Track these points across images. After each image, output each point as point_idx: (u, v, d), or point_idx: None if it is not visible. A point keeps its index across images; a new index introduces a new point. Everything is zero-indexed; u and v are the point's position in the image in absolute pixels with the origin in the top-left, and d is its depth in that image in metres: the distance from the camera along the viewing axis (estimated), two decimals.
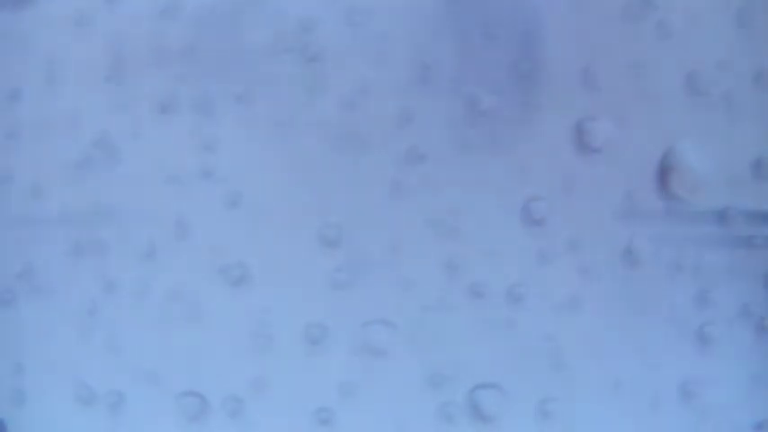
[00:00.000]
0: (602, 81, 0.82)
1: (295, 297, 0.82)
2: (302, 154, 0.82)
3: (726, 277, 0.83)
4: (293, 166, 0.82)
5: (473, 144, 0.82)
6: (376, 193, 0.82)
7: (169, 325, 0.84)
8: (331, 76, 0.82)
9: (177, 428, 0.83)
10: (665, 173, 0.82)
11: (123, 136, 0.85)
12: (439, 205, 0.82)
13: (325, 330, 0.81)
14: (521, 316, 0.81)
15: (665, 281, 0.83)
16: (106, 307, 0.85)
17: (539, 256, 0.82)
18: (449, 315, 0.81)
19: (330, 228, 0.82)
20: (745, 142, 0.84)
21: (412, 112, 0.82)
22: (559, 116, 0.81)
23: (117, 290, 0.84)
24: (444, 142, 0.82)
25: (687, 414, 0.79)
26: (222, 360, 0.83)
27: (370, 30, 0.82)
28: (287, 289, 0.82)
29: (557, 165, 0.81)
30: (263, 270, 0.82)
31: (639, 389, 0.82)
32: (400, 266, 0.82)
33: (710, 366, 0.82)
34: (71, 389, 0.84)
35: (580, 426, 0.80)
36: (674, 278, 0.83)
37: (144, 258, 0.84)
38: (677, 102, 0.83)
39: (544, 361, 0.81)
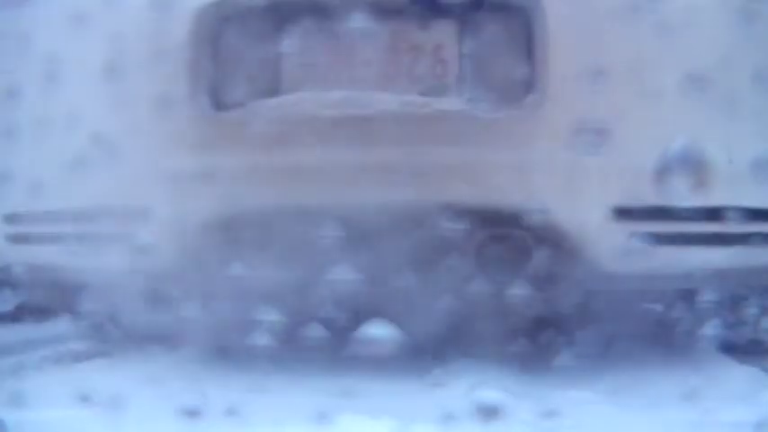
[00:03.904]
0: (603, 81, 0.81)
1: (295, 297, 0.82)
2: (303, 153, 0.82)
3: (724, 277, 0.83)
4: (294, 165, 0.82)
5: (473, 144, 0.82)
6: (376, 189, 0.82)
7: (169, 324, 0.84)
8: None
9: (177, 428, 0.83)
10: (664, 172, 0.81)
11: (122, 134, 0.85)
12: (439, 204, 0.82)
13: (326, 331, 0.81)
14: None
15: (664, 280, 0.83)
16: (106, 306, 0.85)
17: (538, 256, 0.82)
18: (449, 315, 0.81)
19: (330, 228, 0.82)
20: (744, 141, 0.84)
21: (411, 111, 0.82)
22: (559, 116, 0.81)
23: (117, 289, 0.84)
24: (444, 142, 0.81)
25: (687, 414, 0.79)
26: (222, 361, 0.83)
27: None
28: (287, 289, 0.82)
29: (557, 165, 0.81)
30: (263, 270, 0.82)
31: (639, 388, 0.82)
32: (400, 266, 0.82)
33: (710, 366, 0.83)
34: (71, 389, 0.84)
35: (580, 426, 0.80)
36: (674, 278, 0.83)
37: (143, 257, 0.84)
38: (677, 101, 0.83)
39: (544, 361, 0.81)
